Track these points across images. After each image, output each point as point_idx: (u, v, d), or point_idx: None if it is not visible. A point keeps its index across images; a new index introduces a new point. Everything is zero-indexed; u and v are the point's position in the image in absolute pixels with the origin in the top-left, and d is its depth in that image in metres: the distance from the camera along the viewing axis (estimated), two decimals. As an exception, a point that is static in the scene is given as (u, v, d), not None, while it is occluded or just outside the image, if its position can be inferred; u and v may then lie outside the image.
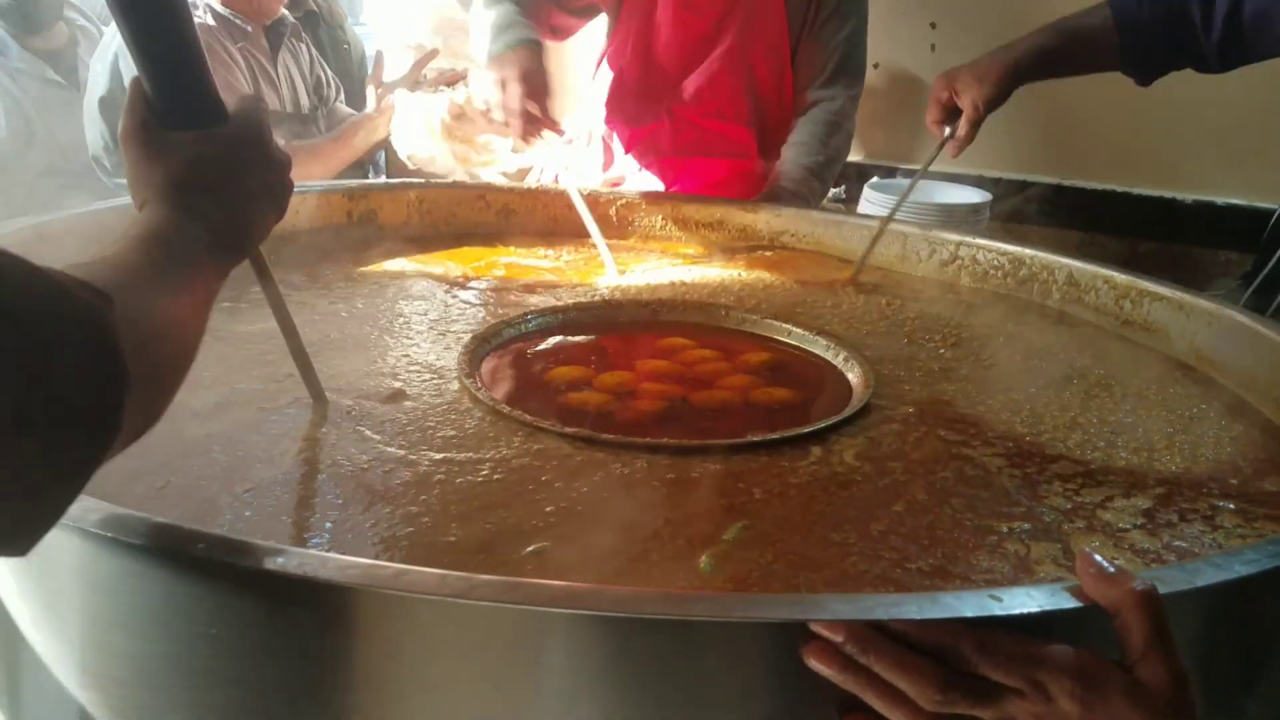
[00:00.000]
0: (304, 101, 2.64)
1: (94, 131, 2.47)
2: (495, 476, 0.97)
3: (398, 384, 1.16)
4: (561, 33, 2.22)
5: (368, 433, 1.04)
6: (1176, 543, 0.94)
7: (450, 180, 2.18)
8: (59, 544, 0.69)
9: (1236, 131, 2.50)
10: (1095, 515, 0.97)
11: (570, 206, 1.80)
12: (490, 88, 1.81)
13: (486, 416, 1.10)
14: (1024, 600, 0.67)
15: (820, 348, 1.37)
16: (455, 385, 1.18)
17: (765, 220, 1.87)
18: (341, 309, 1.41)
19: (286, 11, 2.67)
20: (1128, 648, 0.64)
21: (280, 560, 0.67)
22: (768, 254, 1.82)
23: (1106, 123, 2.57)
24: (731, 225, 1.88)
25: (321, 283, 1.51)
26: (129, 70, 2.41)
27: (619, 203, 1.91)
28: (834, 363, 1.34)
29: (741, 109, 2.15)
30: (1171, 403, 1.26)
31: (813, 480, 1.01)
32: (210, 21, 2.42)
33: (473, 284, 1.57)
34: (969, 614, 0.65)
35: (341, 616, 0.68)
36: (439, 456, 1.00)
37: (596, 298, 1.52)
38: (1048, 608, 0.67)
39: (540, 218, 1.89)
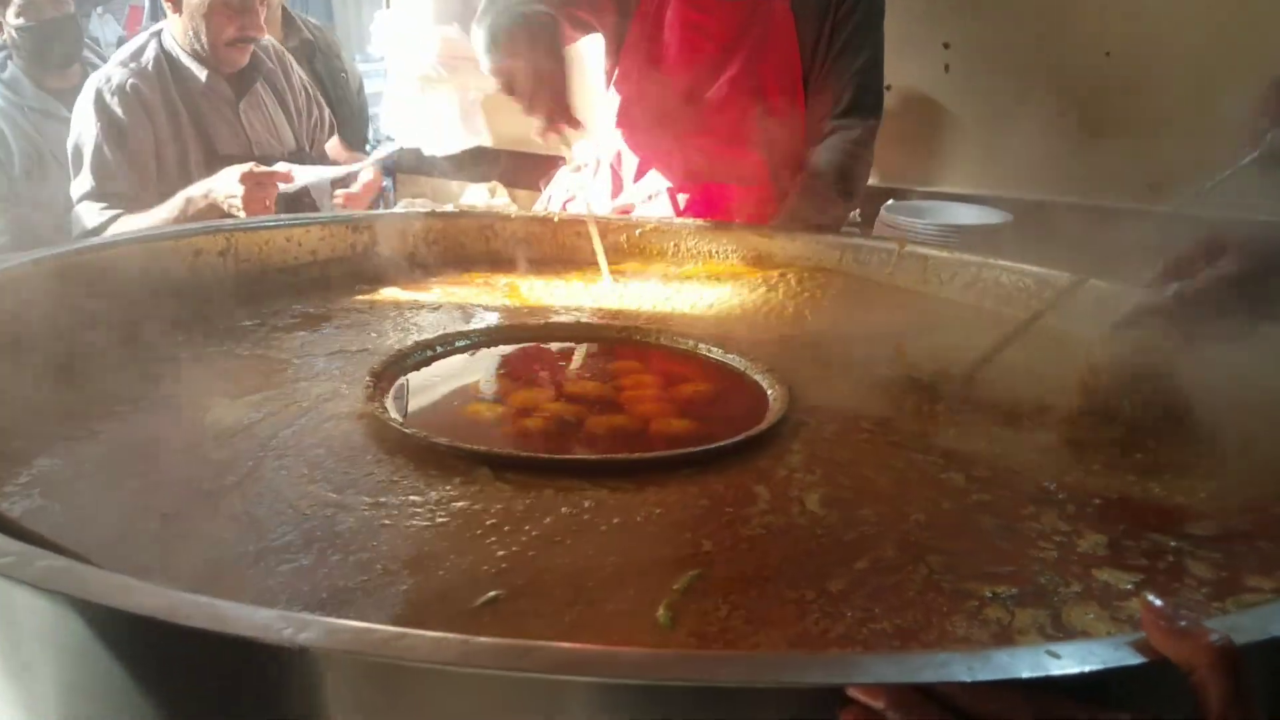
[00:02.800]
0: (286, 143, 2.61)
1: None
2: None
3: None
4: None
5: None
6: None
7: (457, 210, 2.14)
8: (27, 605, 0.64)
9: None
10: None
11: (579, 234, 1.76)
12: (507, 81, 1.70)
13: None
14: (1085, 657, 0.58)
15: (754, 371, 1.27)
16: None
17: (781, 246, 1.78)
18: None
19: (269, 49, 2.65)
20: (1206, 708, 0.57)
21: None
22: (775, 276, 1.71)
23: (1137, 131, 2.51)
24: (746, 249, 1.79)
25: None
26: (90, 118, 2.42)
27: (635, 229, 1.83)
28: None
29: (752, 134, 2.03)
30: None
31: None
32: (140, 81, 2.40)
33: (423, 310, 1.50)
34: (1025, 674, 0.58)
35: (330, 682, 0.60)
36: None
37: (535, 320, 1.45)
38: (1111, 665, 0.58)
39: (550, 245, 1.82)
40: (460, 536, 0.87)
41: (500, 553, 0.85)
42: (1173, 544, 0.90)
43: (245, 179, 2.21)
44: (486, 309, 1.54)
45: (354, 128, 2.99)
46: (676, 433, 1.11)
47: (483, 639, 0.58)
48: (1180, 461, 1.06)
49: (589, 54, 2.17)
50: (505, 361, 1.34)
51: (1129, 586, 0.83)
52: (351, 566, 0.82)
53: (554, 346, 1.40)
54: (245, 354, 1.31)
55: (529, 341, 1.40)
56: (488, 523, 0.89)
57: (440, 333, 1.36)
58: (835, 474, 1.02)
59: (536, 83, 1.67)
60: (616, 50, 2.09)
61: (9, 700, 0.70)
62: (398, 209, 2.03)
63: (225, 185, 2.23)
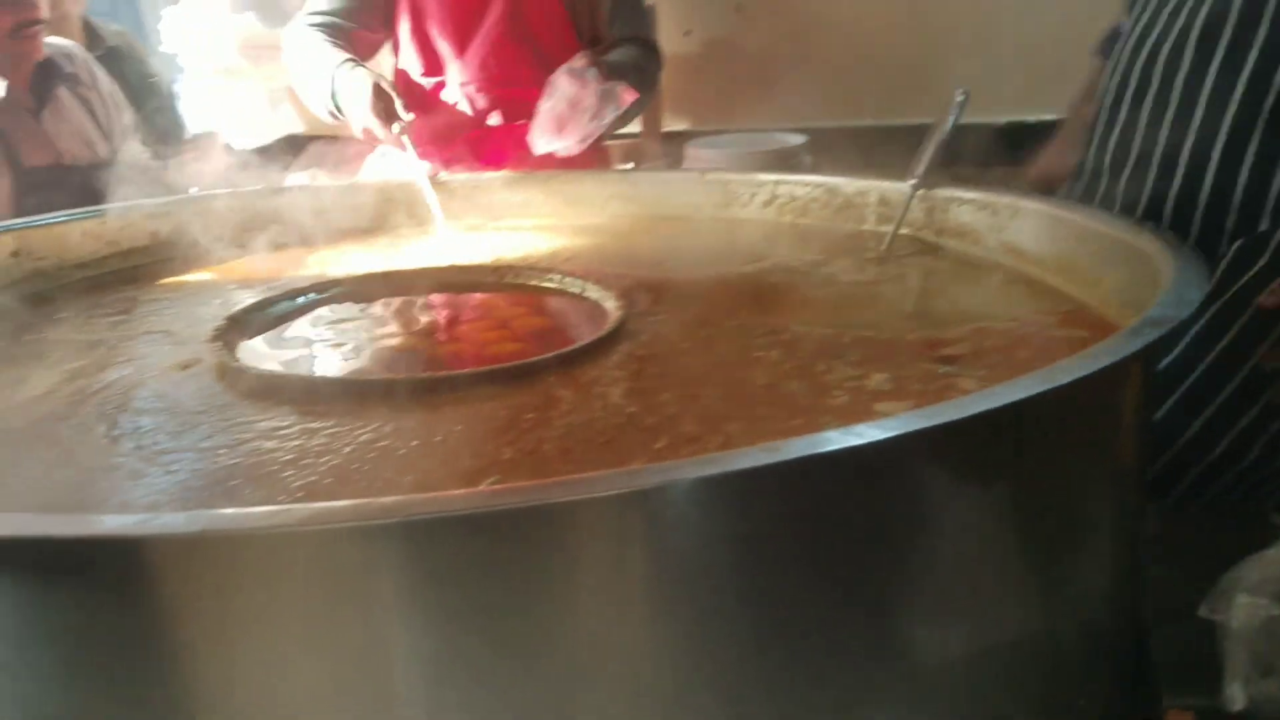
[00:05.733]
0: (97, 150, 2.50)
1: None
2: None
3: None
4: (368, 50, 2.21)
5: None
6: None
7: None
8: None
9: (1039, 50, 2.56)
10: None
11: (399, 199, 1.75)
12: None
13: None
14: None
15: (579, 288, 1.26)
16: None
17: (593, 189, 1.74)
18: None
19: (71, 54, 2.53)
20: None
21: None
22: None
23: (910, 61, 2.61)
24: (560, 196, 1.74)
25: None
26: None
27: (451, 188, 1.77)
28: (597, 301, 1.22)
29: (529, 73, 2.06)
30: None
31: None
32: None
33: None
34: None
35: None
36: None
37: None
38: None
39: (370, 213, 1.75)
40: (256, 473, 0.83)
41: (297, 483, 0.81)
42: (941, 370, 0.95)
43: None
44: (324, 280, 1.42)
45: (171, 129, 2.87)
46: (506, 355, 1.07)
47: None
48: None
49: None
50: (355, 309, 1.28)
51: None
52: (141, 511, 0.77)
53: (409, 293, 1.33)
54: (58, 338, 1.22)
55: (386, 291, 1.33)
56: (284, 458, 0.85)
57: (286, 289, 1.29)
58: (644, 369, 1.01)
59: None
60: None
61: None
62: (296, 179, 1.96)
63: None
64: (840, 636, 0.64)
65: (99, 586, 0.57)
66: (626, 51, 2.08)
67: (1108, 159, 1.49)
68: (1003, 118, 2.59)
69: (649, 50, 2.12)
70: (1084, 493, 0.79)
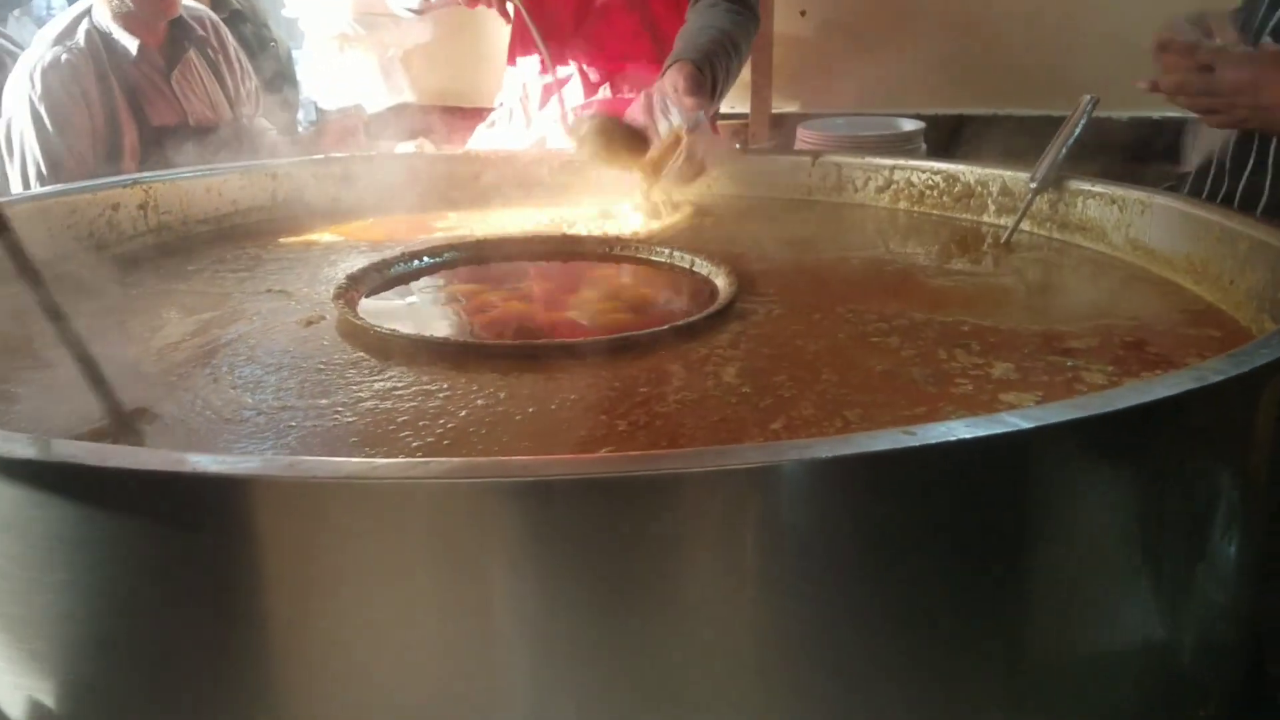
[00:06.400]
0: (222, 114, 2.56)
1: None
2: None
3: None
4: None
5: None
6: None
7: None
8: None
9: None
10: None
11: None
12: None
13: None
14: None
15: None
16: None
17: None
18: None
19: (202, 18, 2.59)
20: None
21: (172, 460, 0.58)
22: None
23: (1035, 50, 2.54)
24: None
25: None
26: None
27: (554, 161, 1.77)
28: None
29: (643, 47, 2.03)
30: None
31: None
32: (74, 57, 2.34)
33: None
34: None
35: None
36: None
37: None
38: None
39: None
40: (374, 432, 0.84)
41: (415, 444, 0.81)
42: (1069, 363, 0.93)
43: None
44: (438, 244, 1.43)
45: (289, 94, 2.94)
46: (618, 325, 1.07)
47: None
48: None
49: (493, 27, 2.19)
50: (471, 273, 1.30)
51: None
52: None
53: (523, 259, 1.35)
54: (185, 289, 1.26)
55: (499, 257, 1.35)
56: (400, 419, 0.86)
57: (402, 252, 1.30)
58: (757, 349, 0.99)
59: None
60: None
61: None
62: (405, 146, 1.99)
63: None
64: (965, 629, 0.62)
65: (233, 525, 0.58)
66: (716, 14, 1.98)
67: (1228, 159, 1.44)
68: (1127, 112, 2.50)
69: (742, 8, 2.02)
70: (1216, 500, 0.76)
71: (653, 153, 1.58)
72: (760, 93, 2.75)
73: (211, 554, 0.59)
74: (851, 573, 0.60)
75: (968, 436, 0.55)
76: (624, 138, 1.59)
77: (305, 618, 0.59)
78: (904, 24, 2.55)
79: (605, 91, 2.15)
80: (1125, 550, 0.69)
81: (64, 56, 2.34)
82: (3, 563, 0.62)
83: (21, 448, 0.58)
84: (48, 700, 0.65)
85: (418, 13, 2.27)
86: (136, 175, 1.61)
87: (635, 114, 1.62)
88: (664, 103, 1.60)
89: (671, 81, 1.65)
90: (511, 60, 2.25)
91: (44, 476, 0.58)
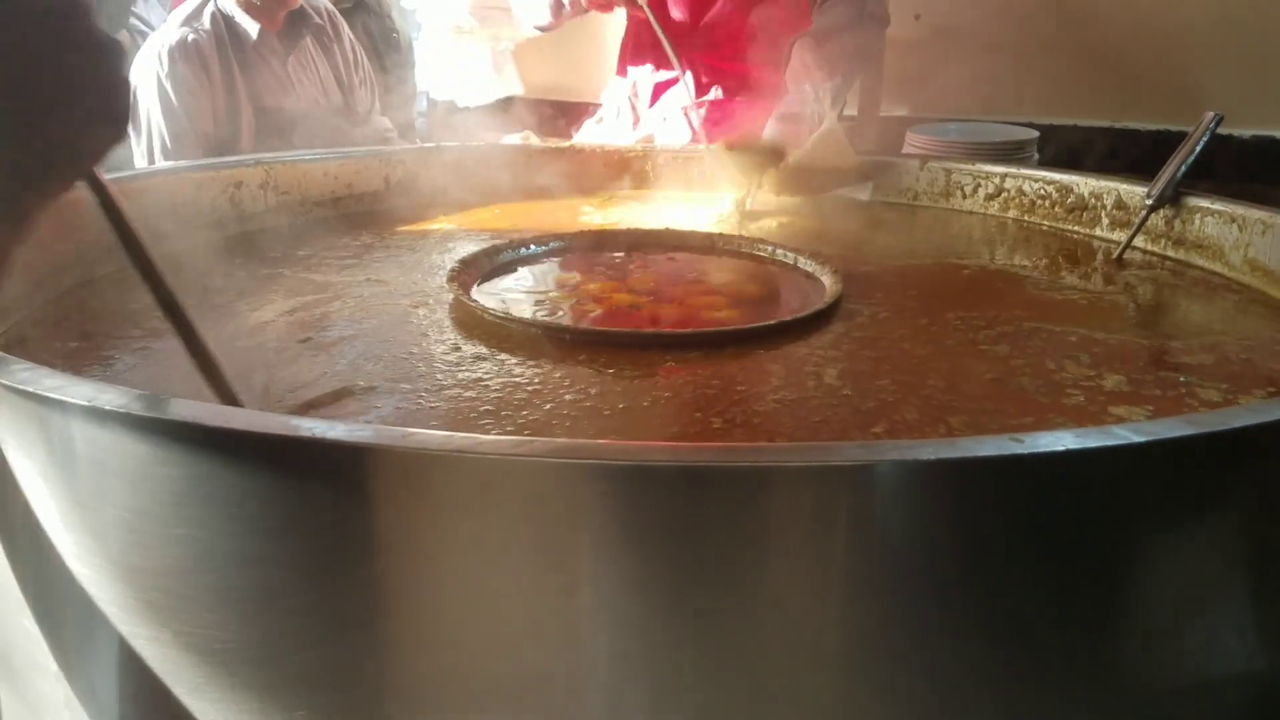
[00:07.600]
0: (332, 101, 2.63)
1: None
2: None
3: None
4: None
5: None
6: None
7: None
8: (84, 434, 0.64)
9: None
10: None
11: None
12: None
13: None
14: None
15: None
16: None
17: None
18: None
19: (319, 8, 2.66)
20: None
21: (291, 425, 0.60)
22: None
23: (1156, 62, 2.46)
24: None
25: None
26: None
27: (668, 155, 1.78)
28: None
29: (759, 50, 1.99)
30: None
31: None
32: (200, 38, 2.42)
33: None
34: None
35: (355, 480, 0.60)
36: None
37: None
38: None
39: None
40: (454, 419, 0.84)
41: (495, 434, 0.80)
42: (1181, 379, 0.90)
43: None
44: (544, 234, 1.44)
45: (408, 84, 3.00)
46: (720, 321, 1.07)
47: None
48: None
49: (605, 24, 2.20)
50: (581, 261, 1.31)
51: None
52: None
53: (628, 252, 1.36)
54: (294, 275, 1.28)
55: (607, 247, 1.37)
56: (483, 409, 0.86)
57: (509, 241, 1.32)
58: (859, 351, 0.98)
59: None
60: None
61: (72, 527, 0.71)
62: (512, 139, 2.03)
63: None
64: (1060, 644, 0.61)
65: (345, 490, 0.60)
66: (838, 13, 1.97)
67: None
68: (1250, 130, 2.41)
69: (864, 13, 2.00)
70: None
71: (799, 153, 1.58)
72: (869, 94, 2.72)
73: (324, 516, 0.61)
74: (947, 579, 0.60)
75: (1077, 447, 0.54)
76: (766, 157, 1.60)
77: (409, 584, 0.61)
78: (1020, 31, 2.50)
79: (716, 92, 2.15)
80: (1232, 573, 0.67)
81: (190, 37, 2.43)
82: (128, 515, 0.64)
83: (152, 406, 0.60)
84: (159, 648, 0.68)
85: (545, 29, 2.30)
86: (260, 155, 1.67)
87: (788, 107, 1.62)
88: (812, 91, 1.61)
89: (800, 59, 1.66)
90: (622, 70, 2.28)
91: (172, 434, 0.61)
